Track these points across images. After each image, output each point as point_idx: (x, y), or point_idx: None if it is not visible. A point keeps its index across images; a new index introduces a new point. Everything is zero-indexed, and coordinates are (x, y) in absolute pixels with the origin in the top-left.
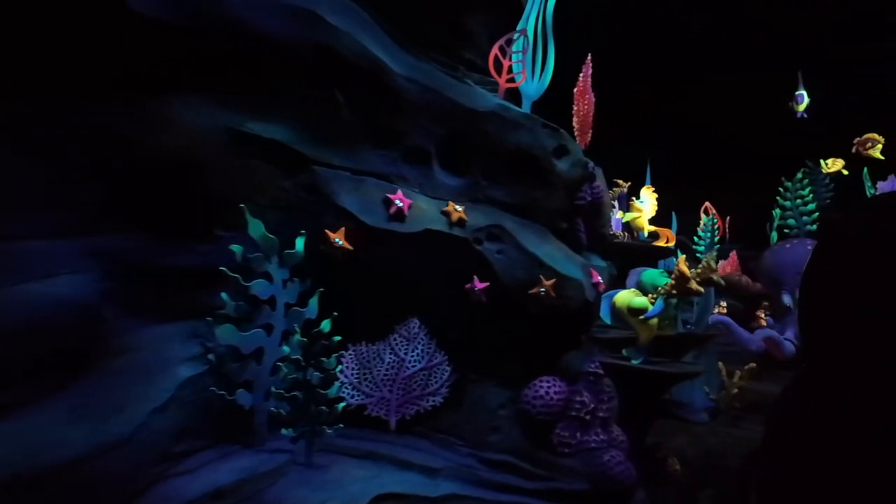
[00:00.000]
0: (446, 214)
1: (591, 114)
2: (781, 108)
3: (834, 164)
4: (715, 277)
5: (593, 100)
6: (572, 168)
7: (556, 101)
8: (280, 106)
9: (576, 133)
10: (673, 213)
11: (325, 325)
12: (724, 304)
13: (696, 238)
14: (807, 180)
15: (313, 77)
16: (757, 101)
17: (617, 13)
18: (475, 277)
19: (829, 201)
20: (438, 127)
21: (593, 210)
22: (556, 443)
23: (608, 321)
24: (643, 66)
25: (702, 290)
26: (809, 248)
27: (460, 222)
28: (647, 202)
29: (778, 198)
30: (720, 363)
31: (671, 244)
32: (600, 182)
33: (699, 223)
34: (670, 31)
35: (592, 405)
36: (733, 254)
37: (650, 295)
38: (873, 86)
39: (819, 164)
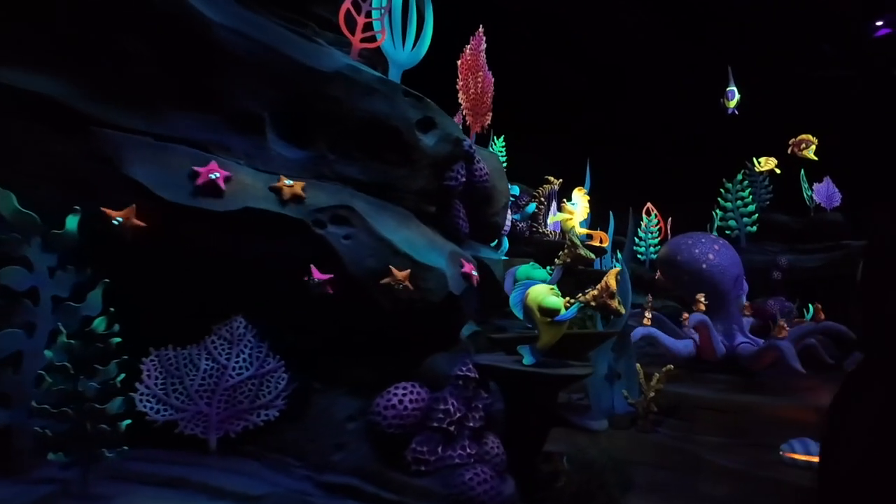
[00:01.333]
0: (276, 191)
1: (489, 95)
2: (718, 107)
3: (766, 163)
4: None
5: (490, 79)
6: (440, 144)
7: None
8: (51, 53)
9: (467, 114)
10: (610, 214)
11: (99, 324)
12: (648, 315)
13: (636, 239)
14: (746, 181)
15: (99, 18)
16: (696, 101)
17: (555, 13)
18: (312, 267)
19: (768, 203)
20: (272, 89)
21: (479, 195)
22: (409, 460)
23: (520, 315)
24: (579, 65)
25: (622, 310)
26: (717, 247)
27: (295, 200)
28: (578, 204)
29: (719, 199)
30: (638, 365)
31: (605, 245)
32: (484, 164)
33: (640, 224)
34: (605, 30)
35: (459, 414)
36: None
37: (567, 298)
38: (809, 84)
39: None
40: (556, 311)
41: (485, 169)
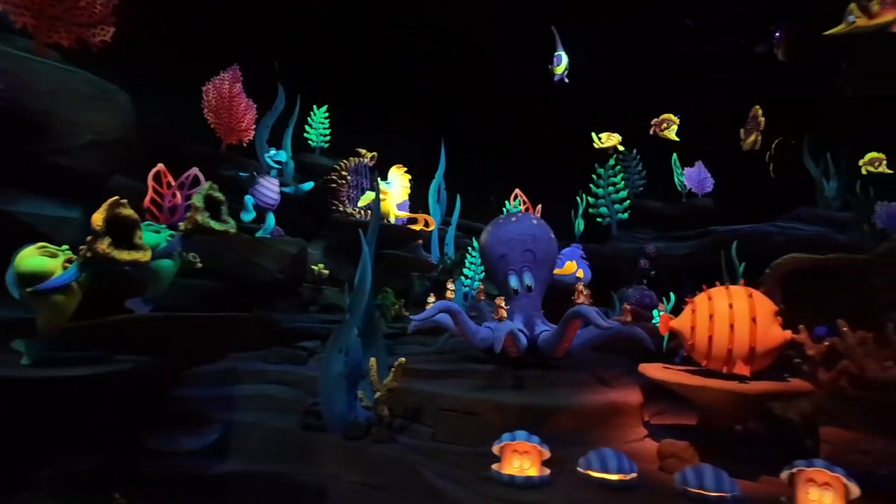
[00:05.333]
0: None
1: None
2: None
3: (609, 139)
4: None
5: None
6: None
7: None
8: None
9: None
10: (457, 197)
11: None
12: (451, 287)
13: None
14: (619, 167)
15: None
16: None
17: None
18: None
19: (641, 189)
20: None
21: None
22: None
23: (16, 294)
24: (434, 38)
25: (123, 257)
26: (535, 222)
27: None
28: (395, 183)
29: (591, 185)
30: (373, 360)
31: (430, 229)
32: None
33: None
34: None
35: None
36: None
37: (63, 258)
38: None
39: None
40: (39, 277)
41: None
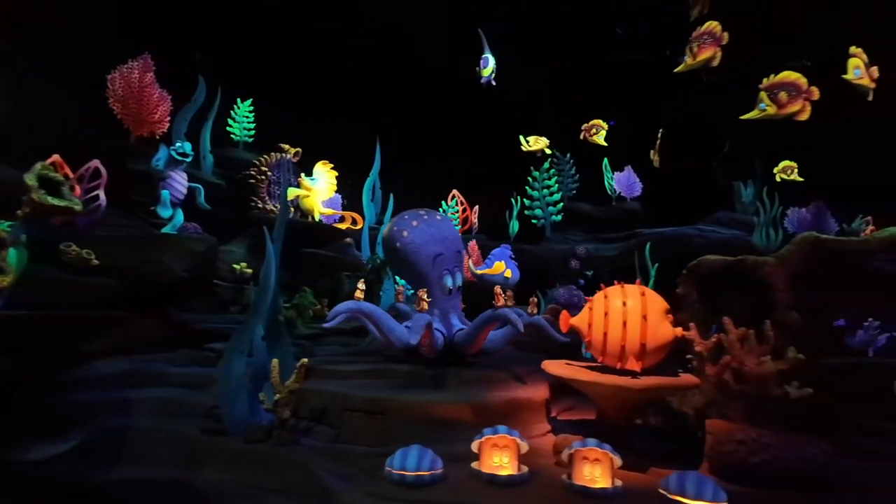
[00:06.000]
0: None
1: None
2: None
3: (536, 143)
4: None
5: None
6: None
7: None
8: None
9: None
10: (391, 196)
11: None
12: (361, 287)
13: None
14: (553, 170)
15: None
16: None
17: None
18: None
19: (574, 192)
20: None
21: None
22: None
23: None
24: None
25: None
26: (417, 223)
27: None
28: (320, 180)
29: (526, 187)
30: (275, 361)
31: (359, 227)
32: None
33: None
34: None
35: None
36: (472, 243)
37: None
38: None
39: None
40: None
41: None
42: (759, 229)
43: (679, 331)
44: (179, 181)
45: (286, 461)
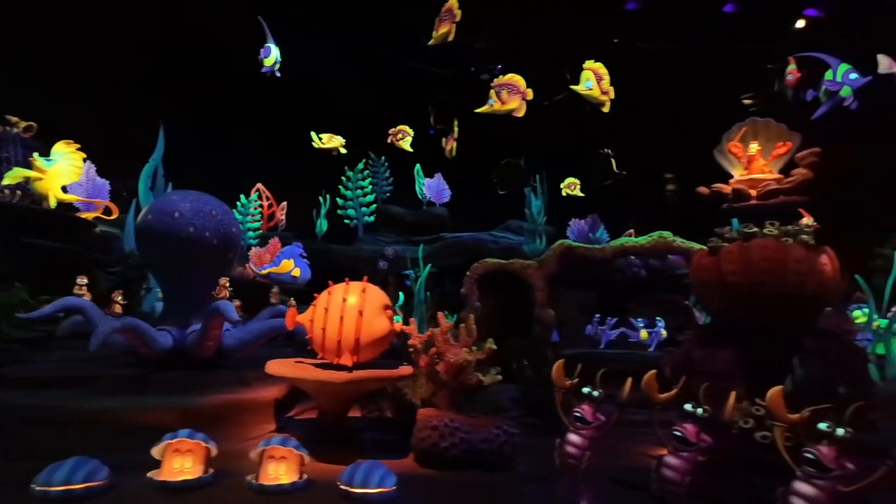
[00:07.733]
0: None
1: None
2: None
3: (330, 140)
4: None
5: None
6: None
7: None
8: None
9: None
10: (169, 185)
11: None
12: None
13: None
14: (367, 171)
15: None
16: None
17: None
18: None
19: (388, 194)
20: None
21: None
22: None
23: None
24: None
25: None
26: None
27: None
28: (59, 161)
29: (340, 187)
30: None
31: (114, 217)
32: None
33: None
34: None
35: None
36: (274, 240)
37: None
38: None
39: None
40: None
41: None
42: (529, 237)
43: (398, 325)
44: None
45: None
